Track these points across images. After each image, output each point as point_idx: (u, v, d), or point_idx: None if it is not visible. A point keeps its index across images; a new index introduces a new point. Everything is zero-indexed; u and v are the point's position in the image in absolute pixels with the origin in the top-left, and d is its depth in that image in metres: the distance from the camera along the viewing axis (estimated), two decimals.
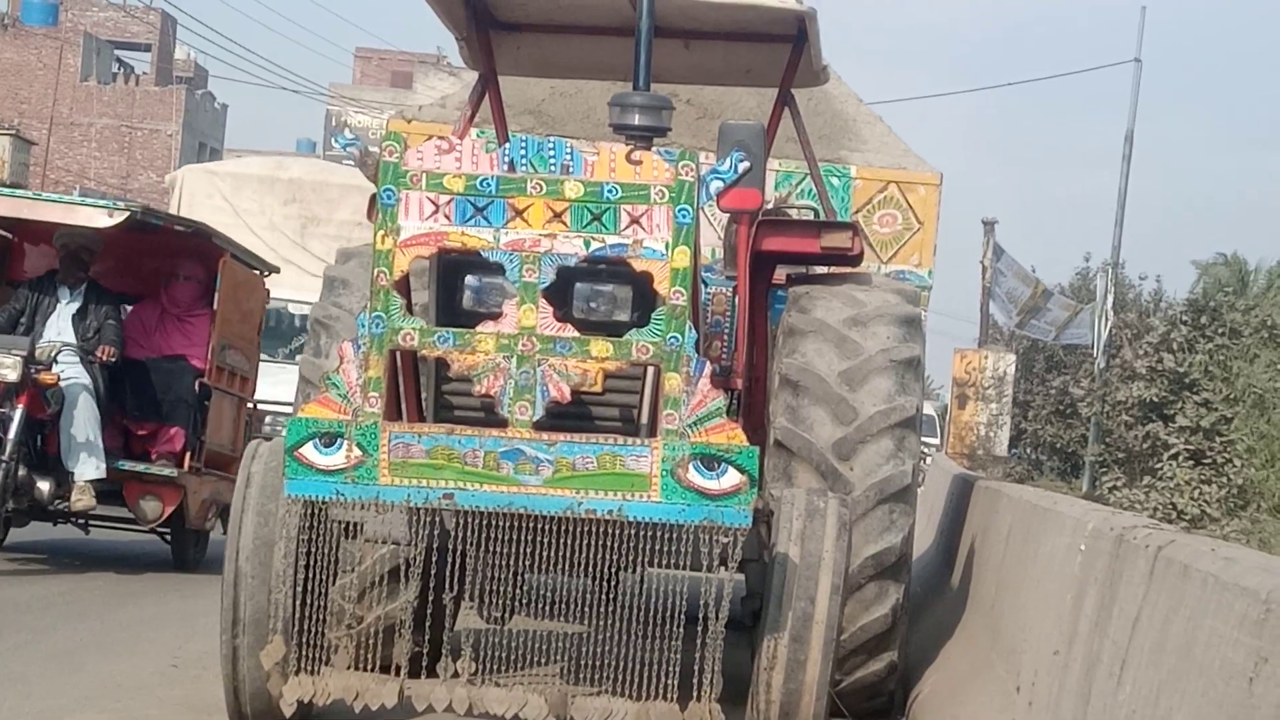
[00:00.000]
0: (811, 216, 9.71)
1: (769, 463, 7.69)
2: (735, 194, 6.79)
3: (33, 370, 10.78)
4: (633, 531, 6.08)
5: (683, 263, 6.07)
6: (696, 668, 6.13)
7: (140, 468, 11.49)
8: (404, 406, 6.68)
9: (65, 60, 58.76)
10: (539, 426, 6.04)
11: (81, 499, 11.11)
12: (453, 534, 6.32)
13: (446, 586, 6.44)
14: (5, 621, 8.92)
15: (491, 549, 6.27)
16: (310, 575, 6.40)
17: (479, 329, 6.11)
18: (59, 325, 11.50)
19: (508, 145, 6.19)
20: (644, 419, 6.72)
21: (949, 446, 26.74)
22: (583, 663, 6.51)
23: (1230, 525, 18.02)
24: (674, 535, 6.12)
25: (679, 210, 6.08)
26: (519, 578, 6.92)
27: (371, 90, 69.05)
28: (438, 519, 6.40)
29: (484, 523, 6.20)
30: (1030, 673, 5.96)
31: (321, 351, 7.89)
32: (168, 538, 12.21)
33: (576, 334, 6.09)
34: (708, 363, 6.11)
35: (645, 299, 6.45)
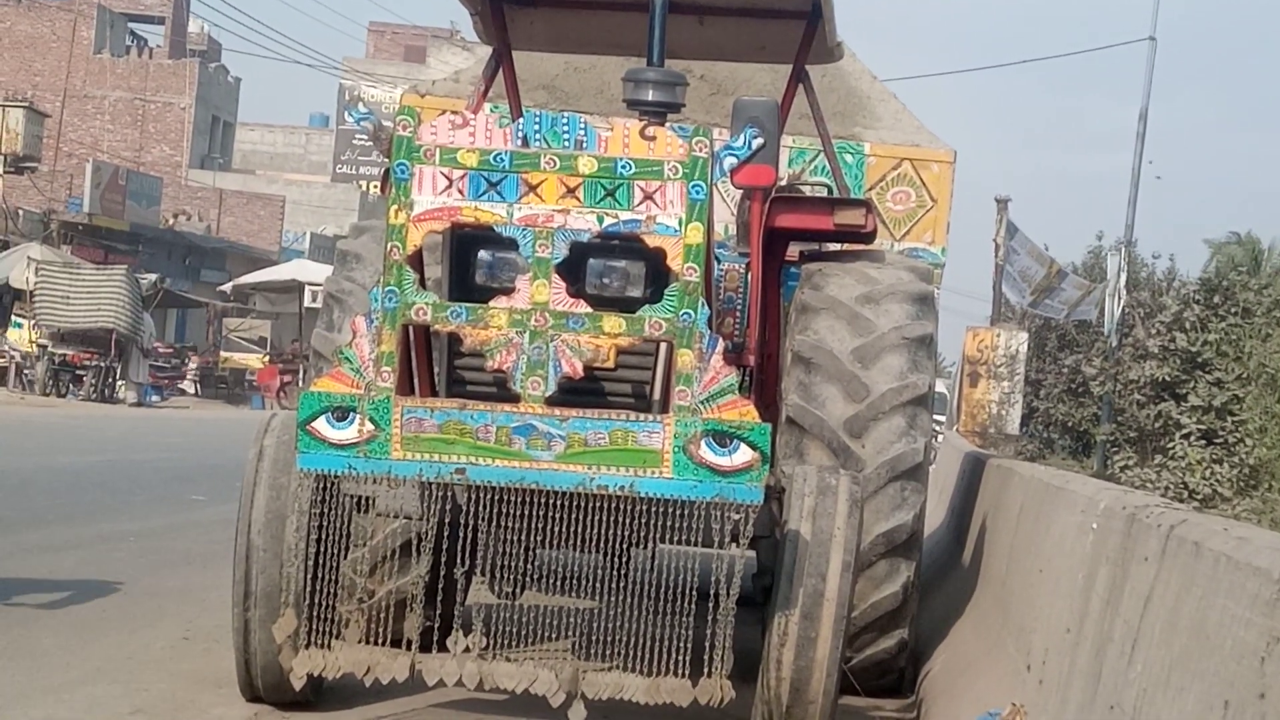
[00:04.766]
0: (825, 193, 9.69)
1: (781, 440, 7.69)
2: (749, 170, 6.79)
3: None
4: (644, 507, 6.08)
5: (696, 239, 6.06)
6: (707, 644, 6.14)
7: None
8: (416, 381, 6.68)
9: (79, 33, 58.80)
10: (551, 402, 6.04)
11: None
12: (464, 509, 6.32)
13: (458, 561, 6.44)
14: (23, 592, 8.93)
15: (503, 524, 6.28)
16: (322, 549, 6.42)
17: (492, 304, 6.11)
18: None
19: (521, 120, 6.17)
20: (656, 395, 6.72)
21: (960, 425, 26.69)
22: (594, 638, 6.52)
23: (1241, 505, 17.98)
24: (685, 511, 6.12)
25: (692, 186, 6.07)
26: (530, 553, 6.92)
27: (385, 64, 69.10)
28: (449, 494, 6.41)
29: (496, 498, 6.21)
30: (1041, 651, 5.95)
31: (334, 326, 7.90)
32: None
33: (589, 310, 6.08)
34: (720, 339, 6.11)
35: (658, 275, 6.45)
